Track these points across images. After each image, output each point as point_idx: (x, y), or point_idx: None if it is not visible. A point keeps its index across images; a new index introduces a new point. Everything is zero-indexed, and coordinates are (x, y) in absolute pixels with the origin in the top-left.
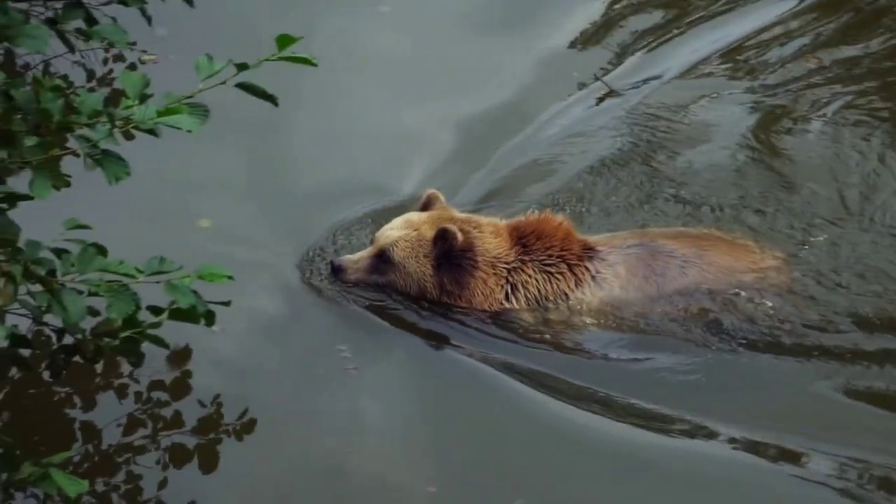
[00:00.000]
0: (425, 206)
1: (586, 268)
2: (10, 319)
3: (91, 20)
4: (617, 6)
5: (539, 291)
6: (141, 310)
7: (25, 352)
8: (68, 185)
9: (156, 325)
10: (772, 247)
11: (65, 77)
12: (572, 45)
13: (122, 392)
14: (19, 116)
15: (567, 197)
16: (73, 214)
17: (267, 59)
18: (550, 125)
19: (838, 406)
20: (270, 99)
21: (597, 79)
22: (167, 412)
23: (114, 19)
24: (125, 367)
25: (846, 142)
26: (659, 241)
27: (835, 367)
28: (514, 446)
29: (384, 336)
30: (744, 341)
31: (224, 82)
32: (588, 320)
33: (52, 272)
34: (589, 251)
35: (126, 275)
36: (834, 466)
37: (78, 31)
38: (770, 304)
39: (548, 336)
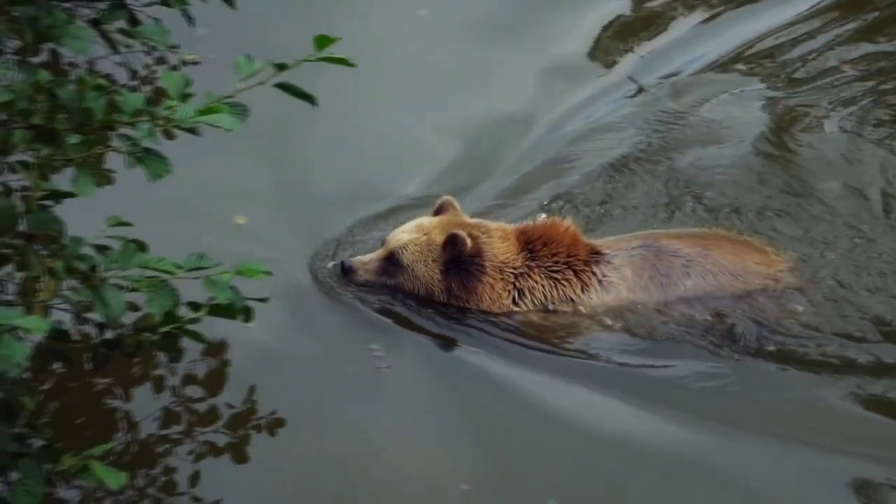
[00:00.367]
0: (438, 212)
1: (593, 272)
2: (54, 315)
3: (134, 21)
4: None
5: (545, 297)
6: (180, 305)
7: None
8: (111, 182)
9: (195, 321)
10: (781, 247)
11: (108, 77)
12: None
13: (158, 384)
14: (63, 115)
15: (587, 196)
16: (108, 211)
17: (305, 60)
18: (576, 122)
19: (852, 413)
20: (308, 98)
21: (632, 79)
22: (200, 406)
23: (157, 20)
24: (160, 360)
25: (868, 142)
26: (663, 242)
27: (847, 371)
28: (548, 446)
29: (416, 336)
30: (751, 341)
31: (263, 82)
32: (596, 323)
33: (93, 268)
34: (595, 255)
35: (166, 271)
36: (855, 472)
37: (121, 31)
38: (778, 303)
39: (563, 340)
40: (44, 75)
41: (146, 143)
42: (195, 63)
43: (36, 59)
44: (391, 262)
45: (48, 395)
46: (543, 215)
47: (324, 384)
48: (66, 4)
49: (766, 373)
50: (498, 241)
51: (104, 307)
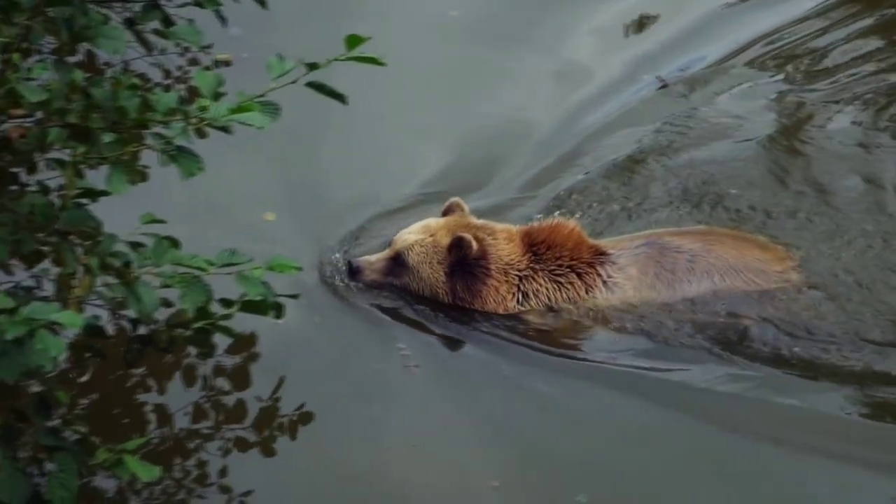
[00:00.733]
0: (446, 213)
1: (597, 273)
2: (89, 310)
3: (168, 21)
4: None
5: (549, 299)
6: (212, 300)
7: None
8: (145, 179)
9: (227, 317)
10: (787, 244)
11: (142, 76)
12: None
13: (188, 376)
14: (98, 114)
15: (601, 192)
16: (140, 209)
17: (336, 59)
18: (596, 118)
19: (874, 420)
20: (339, 97)
21: (659, 79)
22: (229, 400)
23: (191, 21)
24: (190, 352)
25: (884, 139)
26: (665, 239)
27: (862, 376)
28: (576, 444)
29: (443, 335)
30: (763, 341)
31: (294, 81)
32: (603, 325)
33: (127, 264)
34: (599, 256)
35: (198, 267)
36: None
37: (155, 32)
38: (786, 301)
39: (575, 342)
40: (79, 75)
41: (179, 142)
42: (227, 63)
43: (72, 59)
44: (397, 262)
45: (83, 389)
46: (557, 214)
47: (351, 382)
48: (102, 6)
49: (777, 376)
50: (503, 242)
51: (137, 303)
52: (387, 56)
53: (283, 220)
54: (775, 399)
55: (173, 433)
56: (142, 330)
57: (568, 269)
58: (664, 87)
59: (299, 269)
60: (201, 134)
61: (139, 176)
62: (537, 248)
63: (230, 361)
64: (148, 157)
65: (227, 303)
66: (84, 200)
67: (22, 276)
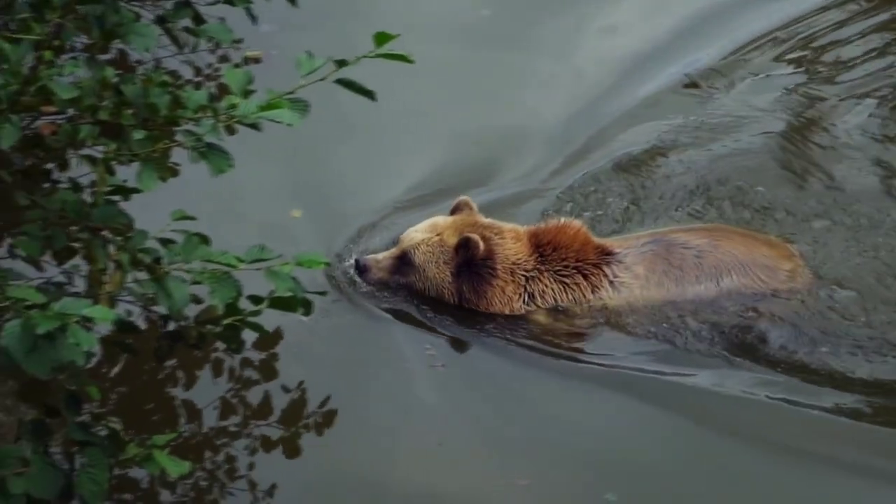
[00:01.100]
0: (454, 212)
1: (604, 273)
2: (120, 306)
3: (199, 19)
4: None
5: (556, 301)
6: (242, 296)
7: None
8: (176, 174)
9: (256, 313)
10: (788, 240)
11: (173, 73)
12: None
13: (217, 372)
14: (129, 111)
15: (616, 189)
16: (168, 205)
17: (365, 56)
18: (622, 114)
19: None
20: (368, 94)
21: (689, 79)
22: (256, 396)
23: (222, 19)
24: (219, 347)
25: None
26: (672, 236)
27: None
28: (605, 442)
29: (469, 335)
30: (772, 337)
31: (324, 78)
32: (612, 324)
33: (157, 260)
34: (606, 255)
35: (228, 264)
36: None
37: (186, 29)
38: (794, 299)
39: (578, 343)
40: (110, 72)
41: (209, 139)
42: (257, 60)
43: (104, 57)
44: (403, 261)
45: (114, 385)
46: (570, 207)
47: (378, 380)
48: (133, 3)
49: (791, 380)
50: (510, 242)
51: (168, 298)
52: (415, 53)
53: (306, 217)
54: (792, 403)
55: (202, 428)
56: (172, 326)
57: (574, 271)
58: (694, 86)
59: (328, 264)
60: (231, 131)
61: (169, 173)
62: (543, 248)
63: (257, 356)
64: (177, 154)
65: (255, 299)
66: (115, 197)
67: (53, 272)
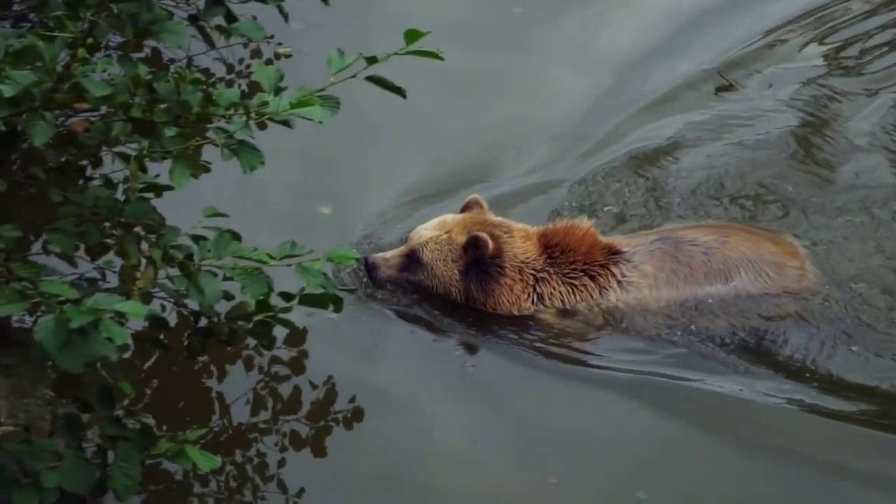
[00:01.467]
0: (465, 209)
1: (612, 274)
2: (153, 303)
3: (231, 17)
4: None
5: (563, 302)
6: (273, 292)
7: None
8: (208, 171)
9: (287, 310)
10: (793, 240)
11: (206, 71)
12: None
13: (248, 368)
14: (161, 108)
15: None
16: (197, 202)
17: (395, 54)
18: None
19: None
20: (399, 91)
21: (721, 76)
22: (285, 392)
23: (254, 17)
24: (250, 343)
25: None
26: (679, 233)
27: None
28: (634, 442)
29: (497, 336)
30: (782, 333)
31: (354, 76)
32: (623, 324)
33: (189, 257)
34: (614, 255)
35: (260, 260)
36: None
37: (218, 27)
38: (803, 297)
39: (583, 344)
40: (143, 69)
41: (240, 136)
42: (288, 56)
43: (138, 55)
44: (412, 259)
45: (146, 380)
46: (587, 201)
47: (408, 379)
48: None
49: (800, 385)
50: (520, 241)
51: (199, 294)
52: (444, 50)
53: (359, 212)
54: (808, 407)
55: (232, 423)
56: (203, 322)
57: (581, 273)
58: (729, 87)
59: (358, 259)
60: (262, 126)
61: (201, 170)
62: (552, 250)
63: (287, 353)
64: (207, 151)
65: (286, 296)
66: (148, 194)
67: (86, 268)
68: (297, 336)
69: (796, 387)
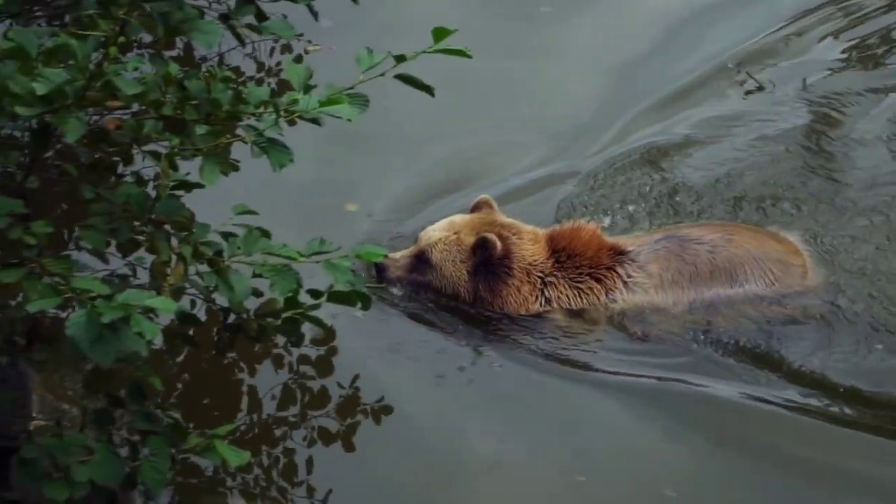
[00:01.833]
0: (474, 210)
1: (617, 275)
2: (182, 299)
3: (261, 16)
4: None
5: (571, 305)
6: (301, 288)
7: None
8: (237, 169)
9: (315, 307)
10: (795, 238)
11: (236, 69)
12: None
13: (277, 365)
14: (192, 106)
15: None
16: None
17: (424, 52)
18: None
19: None
20: (427, 89)
21: (748, 76)
22: (314, 388)
23: (284, 16)
24: (279, 340)
25: None
26: (685, 231)
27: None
28: (663, 438)
29: (524, 336)
30: (790, 334)
31: (383, 74)
32: (629, 325)
33: (219, 253)
34: (619, 256)
35: (289, 256)
36: None
37: (249, 26)
38: (809, 297)
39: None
40: (174, 68)
41: (270, 134)
42: (318, 52)
43: (171, 53)
44: (421, 259)
45: (175, 376)
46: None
47: (435, 379)
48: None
49: (807, 360)
50: (528, 243)
51: (229, 291)
52: (473, 49)
53: (385, 209)
54: (812, 410)
55: (260, 420)
56: (232, 318)
57: (587, 277)
58: (760, 89)
59: (386, 256)
60: (291, 124)
61: (231, 168)
62: (559, 254)
63: (314, 352)
64: (237, 149)
65: (315, 293)
66: (179, 192)
67: (117, 264)
68: (324, 334)
69: (804, 389)
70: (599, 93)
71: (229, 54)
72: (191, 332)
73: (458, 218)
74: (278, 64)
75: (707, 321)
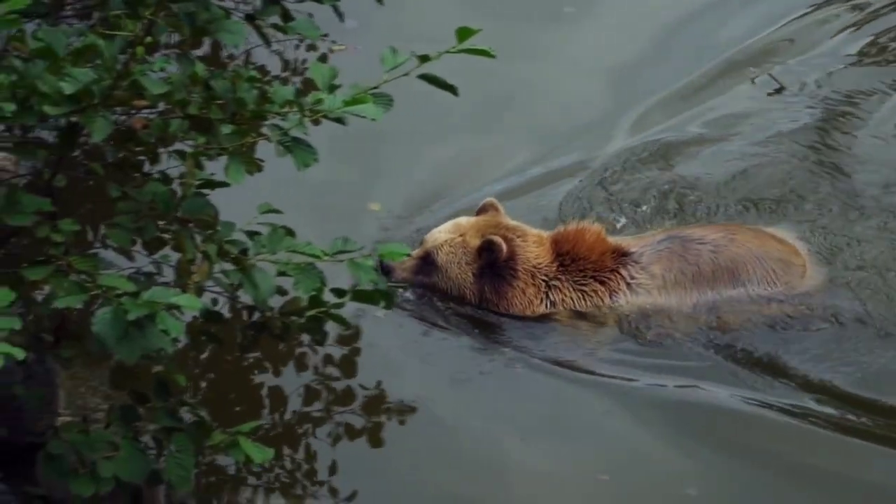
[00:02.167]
0: (480, 213)
1: (621, 276)
2: (207, 296)
3: (287, 16)
4: None
5: (575, 308)
6: (325, 287)
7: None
8: (260, 170)
9: (339, 306)
10: (795, 239)
11: (262, 67)
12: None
13: (300, 363)
14: (217, 105)
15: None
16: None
17: (447, 52)
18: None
19: None
20: (451, 89)
21: (772, 77)
22: (338, 387)
23: (310, 14)
24: (303, 339)
25: None
26: (687, 231)
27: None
28: (684, 439)
29: (547, 337)
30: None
31: (407, 73)
32: (634, 327)
33: (244, 252)
34: (622, 257)
35: (313, 255)
36: None
37: (274, 26)
38: (805, 292)
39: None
40: (200, 68)
41: (295, 133)
42: (343, 50)
43: (197, 51)
44: (426, 261)
45: (200, 374)
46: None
47: (454, 379)
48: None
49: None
50: (532, 245)
51: (253, 289)
52: (498, 48)
53: (407, 208)
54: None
55: (284, 419)
56: (256, 317)
57: (591, 279)
58: (780, 89)
59: (409, 255)
60: (316, 123)
61: (256, 167)
62: (564, 257)
63: (338, 352)
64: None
65: (338, 292)
66: (205, 190)
67: (143, 261)
68: (348, 333)
69: (814, 395)
70: (609, 91)
71: (255, 51)
72: (214, 330)
73: (464, 220)
74: (304, 62)
75: (711, 320)
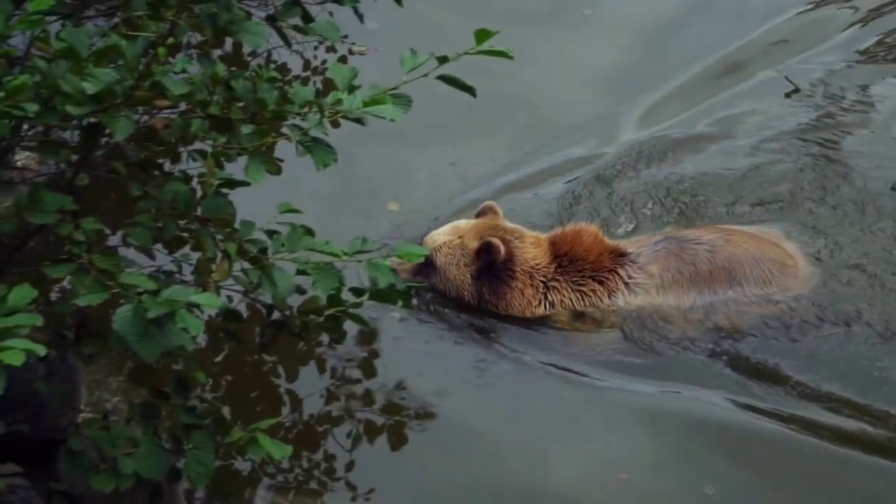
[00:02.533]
0: (479, 216)
1: (619, 276)
2: (226, 295)
3: (307, 17)
4: None
5: (574, 308)
6: (344, 287)
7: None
8: (280, 171)
9: (357, 305)
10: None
11: (282, 67)
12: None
13: (320, 362)
14: (238, 105)
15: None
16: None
17: (466, 53)
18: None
19: None
20: (469, 90)
21: (787, 80)
22: (357, 389)
23: (330, 13)
24: (322, 338)
25: None
26: (683, 233)
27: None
28: (703, 438)
29: (555, 340)
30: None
31: (426, 74)
32: (634, 326)
33: (263, 251)
34: (620, 258)
35: (331, 254)
36: None
37: (295, 27)
38: (802, 293)
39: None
40: (221, 68)
41: (315, 133)
42: (362, 54)
43: (219, 51)
44: (425, 263)
45: (219, 372)
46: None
47: (471, 381)
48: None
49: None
50: (530, 247)
51: (272, 288)
52: (515, 50)
53: (425, 209)
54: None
55: (303, 418)
56: (276, 315)
57: (590, 279)
58: (796, 90)
59: (427, 256)
60: (335, 124)
61: (275, 166)
62: (561, 259)
63: (358, 352)
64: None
65: (357, 291)
66: (225, 190)
67: (163, 260)
68: (366, 332)
69: (808, 400)
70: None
71: (276, 51)
72: (234, 328)
73: (463, 222)
74: (324, 62)
75: (708, 319)
